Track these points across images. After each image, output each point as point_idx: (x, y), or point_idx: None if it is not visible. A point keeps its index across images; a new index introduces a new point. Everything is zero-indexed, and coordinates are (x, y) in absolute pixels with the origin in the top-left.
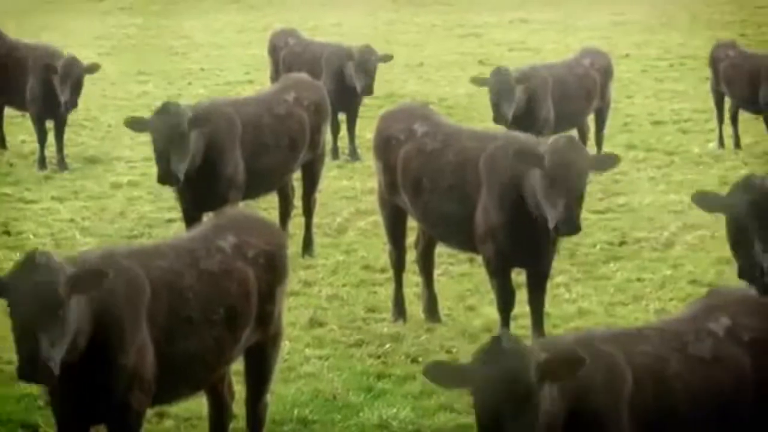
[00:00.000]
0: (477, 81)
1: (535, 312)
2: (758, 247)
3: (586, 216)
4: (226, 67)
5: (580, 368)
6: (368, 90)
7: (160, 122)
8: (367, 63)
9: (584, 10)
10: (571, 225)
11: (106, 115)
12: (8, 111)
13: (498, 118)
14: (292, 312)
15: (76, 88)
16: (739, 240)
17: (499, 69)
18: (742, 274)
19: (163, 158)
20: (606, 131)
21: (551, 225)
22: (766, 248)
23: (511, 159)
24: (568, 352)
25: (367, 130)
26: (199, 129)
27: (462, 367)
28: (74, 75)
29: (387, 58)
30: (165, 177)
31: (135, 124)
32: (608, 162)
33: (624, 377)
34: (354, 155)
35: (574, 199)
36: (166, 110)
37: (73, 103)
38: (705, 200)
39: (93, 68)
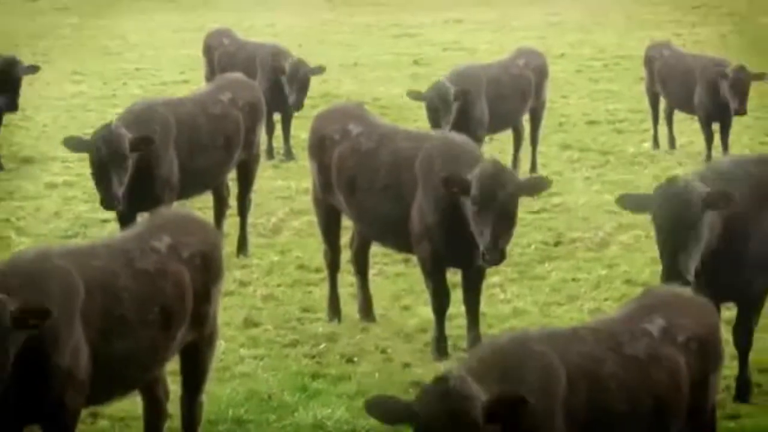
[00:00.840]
0: (413, 95)
1: (471, 312)
2: (680, 248)
3: (521, 216)
4: (162, 67)
5: (524, 409)
6: (300, 105)
7: (100, 145)
8: (298, 77)
9: (519, 10)
10: (494, 256)
11: (41, 115)
12: None
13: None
14: (227, 312)
15: (16, 89)
16: (660, 240)
17: (438, 84)
18: (668, 277)
19: (103, 182)
20: (541, 131)
21: (480, 249)
22: (689, 249)
23: (440, 184)
24: (513, 394)
25: (302, 130)
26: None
27: (405, 404)
28: (14, 75)
29: (319, 70)
30: (108, 202)
31: (73, 144)
32: (538, 186)
33: (559, 377)
34: (289, 155)
35: (501, 229)
36: (107, 133)
37: (9, 105)
38: (628, 201)
39: (33, 69)
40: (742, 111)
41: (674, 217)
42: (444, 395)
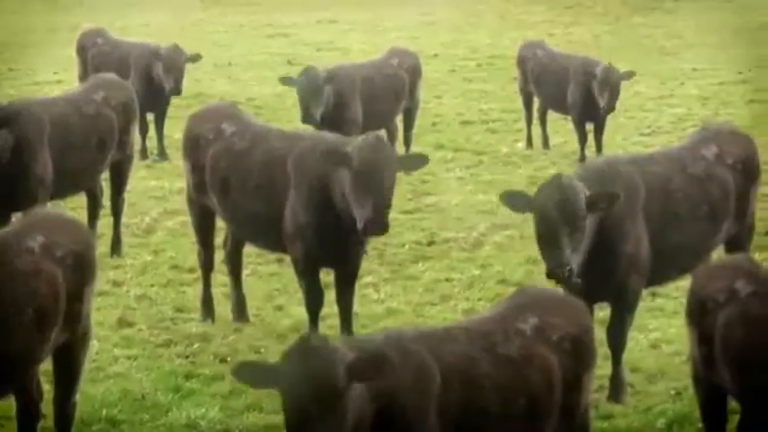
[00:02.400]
0: (286, 81)
1: (344, 312)
2: (566, 247)
3: (395, 216)
4: (35, 67)
5: (388, 369)
6: (176, 90)
7: None
8: (174, 63)
9: (393, 11)
10: (379, 225)
11: None
12: None
13: (306, 118)
14: (101, 312)
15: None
16: (546, 240)
17: (308, 69)
18: (550, 275)
19: None
20: (414, 131)
21: (359, 225)
22: (574, 248)
23: (319, 158)
24: (376, 353)
25: (175, 130)
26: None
27: (270, 367)
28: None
29: (195, 57)
30: None
31: None
32: (416, 162)
33: (432, 377)
34: (162, 155)
35: (383, 199)
36: None
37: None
38: (513, 199)
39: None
40: (610, 109)
41: (560, 212)
42: (307, 355)
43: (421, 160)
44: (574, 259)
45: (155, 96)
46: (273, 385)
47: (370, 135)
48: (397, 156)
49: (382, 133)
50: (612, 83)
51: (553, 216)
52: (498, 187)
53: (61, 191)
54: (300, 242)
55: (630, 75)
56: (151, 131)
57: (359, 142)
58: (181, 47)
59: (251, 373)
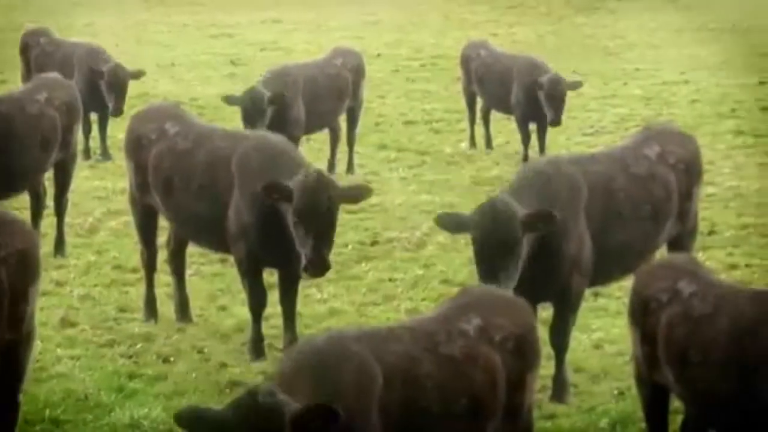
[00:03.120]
0: (230, 100)
1: (287, 312)
2: (501, 274)
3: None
4: None
5: (334, 423)
6: (119, 111)
7: None
8: (117, 82)
9: (336, 10)
10: (319, 267)
11: None
12: None
13: None
14: (44, 312)
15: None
16: (482, 263)
17: (252, 90)
18: None
19: None
20: (358, 131)
21: (302, 263)
22: (509, 274)
23: (260, 192)
24: (318, 406)
25: (118, 130)
26: None
27: (219, 416)
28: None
29: (139, 74)
30: None
31: None
32: (360, 193)
33: (375, 377)
34: (105, 155)
35: (322, 242)
36: None
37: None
38: (448, 221)
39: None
40: (557, 122)
41: (494, 240)
42: (251, 409)
43: (364, 191)
44: (509, 284)
45: (98, 96)
46: None
47: (312, 173)
48: (339, 189)
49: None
50: (560, 96)
51: (488, 243)
52: (441, 187)
53: (4, 191)
54: (243, 242)
55: (577, 85)
56: (95, 131)
57: (301, 179)
58: (122, 65)
59: (196, 421)
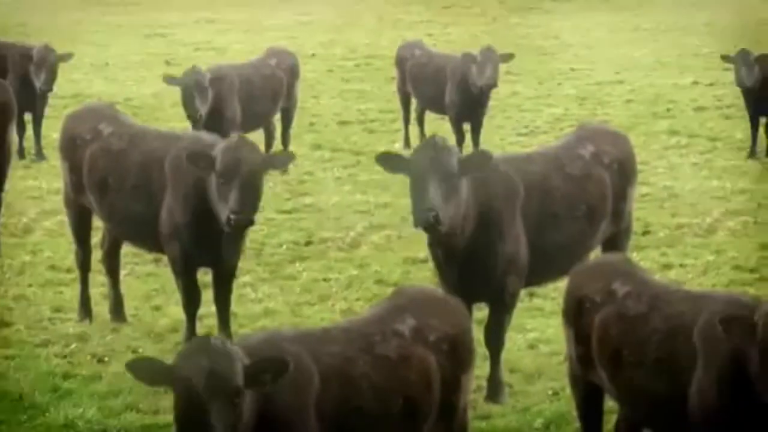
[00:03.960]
0: (169, 80)
1: (222, 312)
2: (434, 194)
3: (272, 216)
4: None
5: (285, 372)
6: (48, 86)
7: None
8: (45, 61)
9: (271, 10)
10: (242, 218)
11: None
12: None
13: (191, 115)
14: None
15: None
16: (417, 189)
17: (194, 68)
18: (417, 223)
19: None
20: (292, 131)
21: (223, 217)
22: (444, 197)
23: (185, 162)
24: (273, 357)
25: (53, 130)
26: None
27: (168, 367)
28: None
29: (66, 57)
30: None
31: None
32: (282, 160)
33: (310, 377)
34: (40, 155)
35: (247, 192)
36: None
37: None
38: (388, 161)
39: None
40: (492, 86)
41: (432, 164)
42: (205, 353)
43: (287, 158)
44: (443, 208)
45: (33, 96)
46: (169, 384)
47: (234, 135)
48: (263, 155)
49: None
50: (492, 62)
51: (425, 167)
52: (376, 187)
53: None
54: (177, 242)
55: (509, 58)
56: (29, 131)
57: (223, 143)
58: (51, 46)
59: (147, 370)
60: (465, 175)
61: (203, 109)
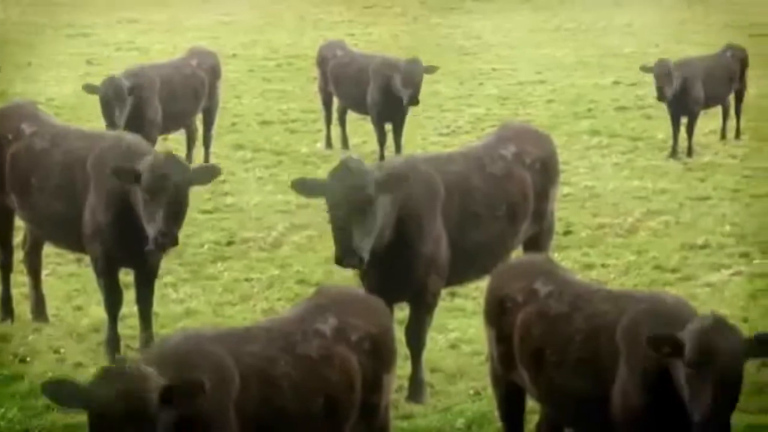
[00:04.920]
0: (88, 88)
1: (143, 312)
2: (355, 234)
3: (194, 216)
4: None
5: (201, 395)
6: None
7: None
8: None
9: (192, 11)
10: (167, 239)
11: None
12: None
13: (110, 125)
14: None
15: None
16: (337, 226)
17: (111, 78)
18: (339, 261)
19: None
20: (214, 131)
21: (150, 237)
22: (364, 234)
23: (110, 175)
24: (188, 378)
25: None
26: None
27: (82, 388)
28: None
29: None
30: None
31: None
32: (208, 173)
33: (231, 377)
34: None
35: (174, 212)
36: None
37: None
38: (304, 186)
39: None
40: (413, 101)
41: (349, 195)
42: (119, 377)
43: (213, 171)
44: (364, 246)
45: None
46: (82, 406)
47: (161, 154)
48: (188, 169)
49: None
50: (416, 77)
51: (342, 196)
52: None
53: None
54: (99, 242)
55: (433, 69)
56: None
57: (149, 158)
58: None
59: (61, 391)
60: (383, 193)
61: (121, 120)
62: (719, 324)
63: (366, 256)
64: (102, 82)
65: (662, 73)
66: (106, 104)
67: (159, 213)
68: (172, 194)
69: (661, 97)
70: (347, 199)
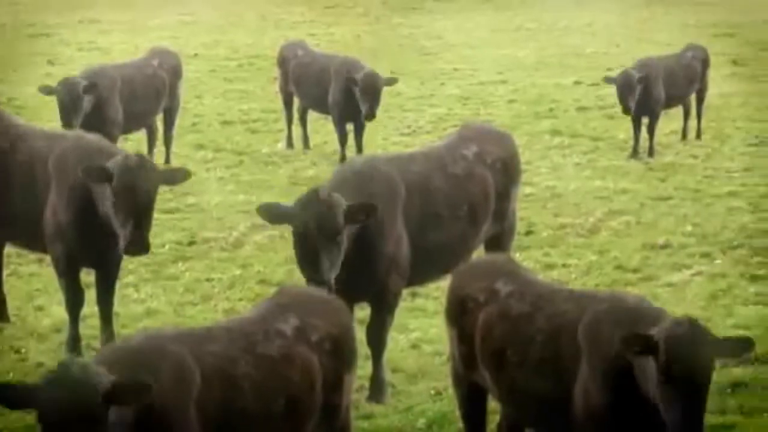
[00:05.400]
0: (45, 90)
1: (104, 312)
2: (323, 265)
3: (155, 216)
4: None
5: (146, 394)
6: None
7: None
8: None
9: (154, 11)
10: (140, 246)
11: None
12: None
13: (66, 126)
14: None
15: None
16: (304, 255)
17: (66, 80)
18: (308, 283)
19: None
20: (175, 131)
21: (122, 245)
22: (332, 264)
23: (80, 175)
24: (135, 379)
25: None
26: None
27: (29, 388)
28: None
29: None
30: None
31: None
32: (178, 176)
33: (192, 377)
34: None
35: (143, 220)
36: None
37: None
38: (269, 211)
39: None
40: (371, 116)
41: (317, 228)
42: (64, 378)
43: (182, 174)
44: (331, 275)
45: None
46: (31, 407)
47: (132, 154)
48: (158, 171)
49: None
50: (375, 90)
51: (311, 233)
52: (258, 187)
53: None
54: (60, 242)
55: (392, 81)
56: None
57: (121, 159)
58: None
59: (9, 394)
60: (350, 224)
61: (77, 120)
62: (694, 332)
63: (332, 280)
64: (58, 84)
65: (625, 84)
66: (62, 105)
67: (129, 221)
68: (144, 201)
69: (625, 110)
70: (316, 231)
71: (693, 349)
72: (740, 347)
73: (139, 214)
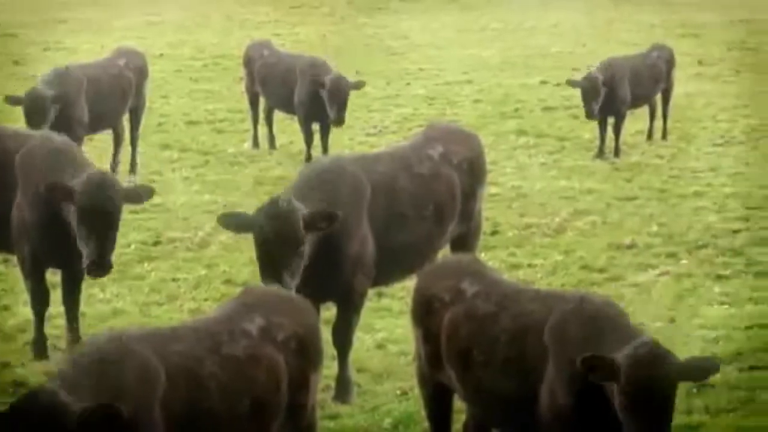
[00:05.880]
0: (12, 100)
1: (70, 312)
2: (285, 274)
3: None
4: None
5: (118, 421)
6: None
7: None
8: None
9: (120, 10)
10: (101, 268)
11: None
12: None
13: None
14: None
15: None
16: (265, 264)
17: (33, 91)
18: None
19: None
20: (140, 131)
21: (85, 264)
22: (292, 273)
23: (43, 191)
24: (103, 407)
25: None
26: None
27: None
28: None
29: None
30: None
31: None
32: (143, 194)
33: (157, 376)
34: None
35: (106, 242)
36: None
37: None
38: (231, 221)
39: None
40: (340, 121)
41: (277, 239)
42: (33, 408)
43: (147, 192)
44: (292, 284)
45: None
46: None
47: (95, 173)
48: (122, 190)
49: (106, 168)
50: (343, 95)
51: (271, 243)
52: (224, 187)
53: None
54: (26, 242)
55: (360, 85)
56: None
57: (84, 179)
58: None
59: None
60: (310, 231)
61: (45, 127)
62: (656, 357)
63: (293, 288)
64: (25, 94)
65: (590, 88)
66: (29, 116)
67: (91, 241)
68: (107, 219)
69: (589, 115)
70: (277, 240)
71: (655, 375)
72: (704, 370)
73: (102, 233)
